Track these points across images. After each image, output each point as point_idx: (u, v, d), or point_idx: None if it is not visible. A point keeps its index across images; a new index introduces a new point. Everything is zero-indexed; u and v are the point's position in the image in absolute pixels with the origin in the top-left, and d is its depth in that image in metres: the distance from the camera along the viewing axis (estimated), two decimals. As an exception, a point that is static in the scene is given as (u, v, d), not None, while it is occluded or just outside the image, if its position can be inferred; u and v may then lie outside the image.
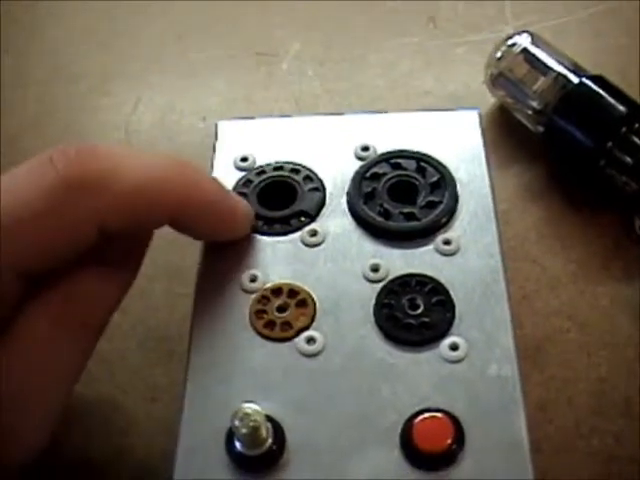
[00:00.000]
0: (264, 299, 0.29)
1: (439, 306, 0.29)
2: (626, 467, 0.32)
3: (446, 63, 0.46)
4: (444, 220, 0.31)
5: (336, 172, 0.33)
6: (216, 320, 0.29)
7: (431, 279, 0.29)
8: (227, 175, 0.33)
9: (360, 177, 0.32)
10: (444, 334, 0.28)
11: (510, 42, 0.41)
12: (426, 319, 0.29)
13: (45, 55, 0.49)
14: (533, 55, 0.41)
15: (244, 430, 0.25)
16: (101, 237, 0.27)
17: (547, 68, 0.40)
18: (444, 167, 0.32)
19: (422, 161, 0.32)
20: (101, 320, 0.29)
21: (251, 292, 0.30)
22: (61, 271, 0.27)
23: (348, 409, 0.27)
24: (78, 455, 0.33)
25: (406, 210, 0.31)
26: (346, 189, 0.32)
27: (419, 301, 0.29)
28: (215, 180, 0.31)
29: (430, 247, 0.30)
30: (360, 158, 0.33)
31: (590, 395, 0.34)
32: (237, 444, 0.26)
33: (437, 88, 0.45)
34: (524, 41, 0.41)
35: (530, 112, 0.41)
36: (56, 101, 0.46)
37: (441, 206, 0.31)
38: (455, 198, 0.32)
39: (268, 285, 0.30)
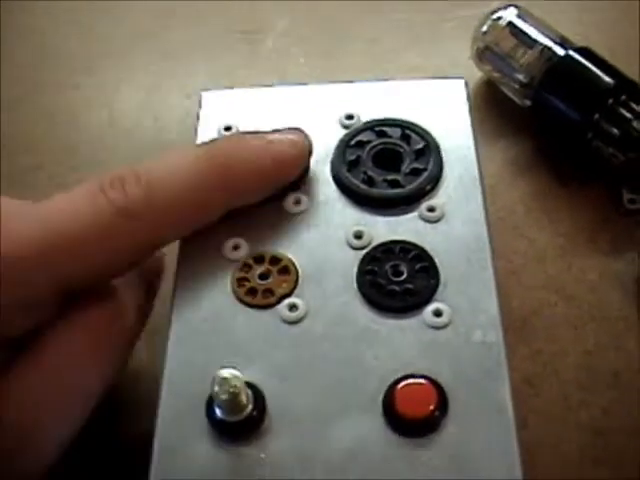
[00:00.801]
0: (246, 267, 0.29)
1: (423, 273, 0.29)
2: (613, 440, 0.32)
3: (433, 38, 0.46)
4: (428, 187, 0.31)
5: (321, 140, 0.32)
6: (198, 288, 0.29)
7: (415, 246, 0.29)
8: None
9: (344, 145, 0.32)
10: (428, 300, 0.28)
11: (496, 16, 0.41)
12: (409, 285, 0.28)
13: (28, 36, 0.48)
14: (519, 28, 0.41)
15: (223, 396, 0.25)
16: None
17: (533, 41, 0.40)
18: (429, 135, 0.32)
19: (407, 129, 0.32)
20: (126, 339, 0.29)
21: (233, 260, 0.30)
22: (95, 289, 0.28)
23: (330, 376, 0.27)
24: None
25: (390, 177, 0.31)
26: (330, 157, 0.32)
27: (402, 268, 0.29)
28: (250, 142, 0.30)
29: (414, 214, 0.30)
30: (345, 126, 0.33)
31: (577, 368, 0.34)
32: (217, 410, 0.26)
33: (424, 63, 0.45)
34: (510, 14, 0.41)
35: (517, 86, 0.40)
36: (37, 81, 0.46)
37: (425, 173, 0.31)
38: (440, 165, 0.31)
39: (250, 253, 0.30)
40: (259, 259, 0.29)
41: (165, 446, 0.26)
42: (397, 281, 0.29)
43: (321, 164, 0.32)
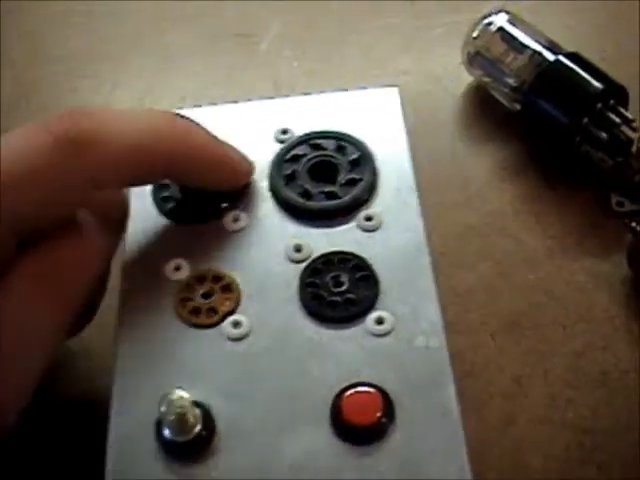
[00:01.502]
0: (189, 287, 0.30)
1: (363, 282, 0.29)
2: (600, 439, 0.32)
3: (425, 44, 0.46)
4: (365, 197, 0.31)
5: (257, 156, 0.33)
6: (142, 310, 0.29)
7: (354, 256, 0.30)
8: None
9: (280, 160, 0.32)
10: (370, 309, 0.29)
11: (487, 21, 0.42)
12: (351, 295, 0.29)
13: (24, 36, 0.49)
14: (509, 34, 0.41)
15: (171, 416, 0.26)
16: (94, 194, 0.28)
17: (523, 46, 0.41)
18: (363, 145, 0.32)
19: (341, 140, 0.33)
20: (82, 285, 0.29)
21: (176, 280, 0.30)
22: (49, 232, 0.28)
23: (277, 389, 0.27)
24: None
25: (327, 189, 0.31)
26: (267, 173, 0.32)
27: (343, 278, 0.29)
28: (205, 130, 0.31)
29: (353, 224, 0.31)
30: (280, 141, 0.33)
31: (566, 369, 0.34)
32: (166, 431, 0.26)
33: (415, 68, 0.45)
34: (500, 20, 0.41)
35: (507, 90, 0.41)
36: (34, 82, 0.46)
37: (361, 183, 0.31)
38: (375, 175, 0.32)
39: (192, 272, 0.30)
40: (201, 278, 0.30)
41: (117, 467, 0.26)
42: (338, 292, 0.29)
43: (259, 180, 0.32)
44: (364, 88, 0.35)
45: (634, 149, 0.37)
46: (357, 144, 0.32)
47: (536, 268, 0.37)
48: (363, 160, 0.32)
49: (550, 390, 0.33)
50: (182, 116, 0.31)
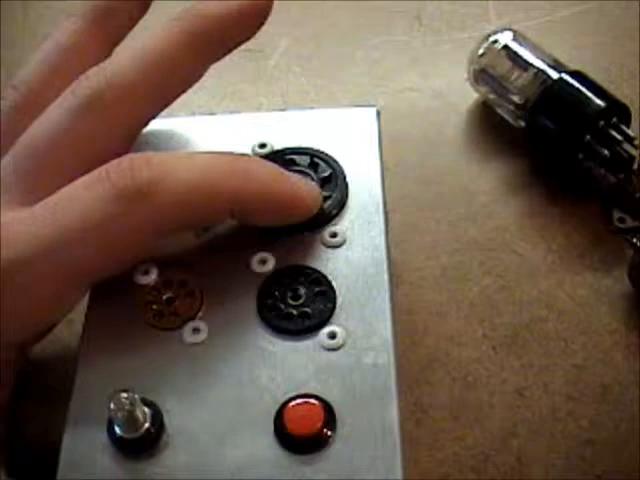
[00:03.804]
0: (155, 290, 0.31)
1: (321, 296, 0.30)
2: (601, 451, 0.33)
3: (431, 61, 0.47)
4: (332, 214, 0.32)
5: None
6: (108, 310, 0.31)
7: (315, 270, 0.31)
8: None
9: None
10: (324, 323, 0.30)
11: (492, 39, 0.42)
12: (307, 309, 0.30)
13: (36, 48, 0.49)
14: (514, 52, 0.42)
15: (120, 413, 0.27)
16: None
17: (528, 64, 0.41)
18: (336, 163, 0.33)
19: (315, 157, 0.34)
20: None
21: (143, 284, 0.31)
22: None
23: (226, 395, 0.28)
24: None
25: None
26: None
27: (301, 292, 0.30)
28: (271, 166, 0.31)
29: (317, 240, 0.32)
30: (257, 155, 0.34)
31: (567, 382, 0.35)
32: (116, 427, 0.27)
33: (421, 85, 0.46)
34: (506, 38, 0.42)
35: (511, 107, 0.42)
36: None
37: (330, 200, 0.32)
38: (345, 192, 0.33)
39: (159, 277, 0.31)
40: (167, 283, 0.31)
41: (70, 460, 0.28)
42: (295, 304, 0.30)
43: None
44: (347, 106, 0.36)
45: (635, 166, 0.38)
46: (330, 162, 0.33)
47: (538, 282, 0.38)
48: (334, 178, 0.33)
49: (551, 402, 0.34)
50: (244, 154, 0.32)
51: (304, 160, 0.34)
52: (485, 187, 0.41)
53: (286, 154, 0.34)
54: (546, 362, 0.35)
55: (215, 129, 0.35)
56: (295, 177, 0.32)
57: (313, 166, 0.33)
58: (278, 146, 0.34)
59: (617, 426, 0.33)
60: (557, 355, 0.35)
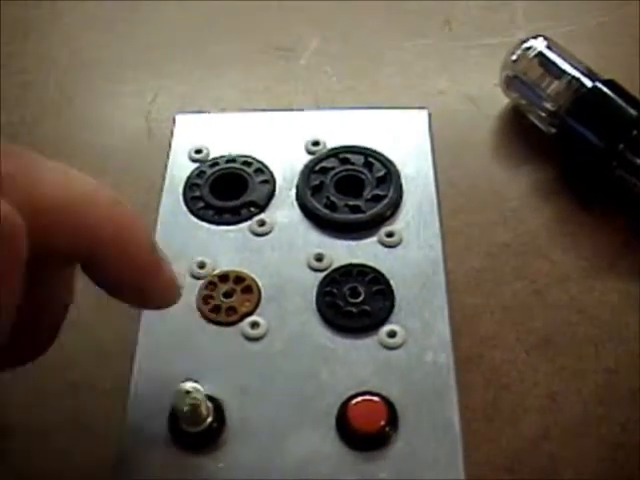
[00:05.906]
0: (211, 285, 0.31)
1: (379, 295, 0.31)
2: (632, 454, 0.34)
3: (460, 65, 0.48)
4: (388, 213, 0.33)
5: (286, 165, 0.34)
6: None
7: (372, 269, 0.31)
8: (182, 166, 0.35)
9: (309, 171, 0.34)
10: (383, 322, 0.30)
11: (526, 45, 0.43)
12: (366, 307, 0.30)
13: (65, 42, 0.50)
14: (548, 59, 0.43)
15: (184, 408, 0.27)
16: None
17: (561, 72, 0.42)
18: (390, 163, 0.34)
19: (370, 156, 0.34)
20: None
21: (199, 278, 0.31)
22: None
23: (287, 391, 0.29)
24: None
25: (352, 203, 0.33)
26: (295, 182, 0.34)
27: (360, 290, 0.31)
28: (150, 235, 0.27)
29: (374, 239, 0.32)
30: (310, 152, 0.35)
31: (598, 386, 0.35)
32: (179, 421, 0.28)
33: (451, 88, 0.47)
34: (539, 45, 0.43)
35: (543, 114, 0.42)
36: (76, 87, 0.48)
37: (385, 200, 0.33)
38: (400, 192, 0.33)
39: (216, 272, 0.31)
40: (224, 278, 0.31)
41: (128, 454, 0.28)
42: (354, 302, 0.30)
43: (286, 188, 0.34)
44: (398, 107, 0.37)
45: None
46: (384, 162, 0.34)
47: (569, 287, 0.38)
48: (389, 178, 0.34)
49: (583, 406, 0.35)
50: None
51: (358, 159, 0.34)
52: (516, 192, 0.42)
53: (340, 152, 0.34)
54: (578, 366, 0.36)
55: (269, 125, 0.36)
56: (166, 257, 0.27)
57: (367, 165, 0.34)
58: (331, 144, 0.35)
59: (646, 430, 0.34)
60: (588, 360, 0.36)
